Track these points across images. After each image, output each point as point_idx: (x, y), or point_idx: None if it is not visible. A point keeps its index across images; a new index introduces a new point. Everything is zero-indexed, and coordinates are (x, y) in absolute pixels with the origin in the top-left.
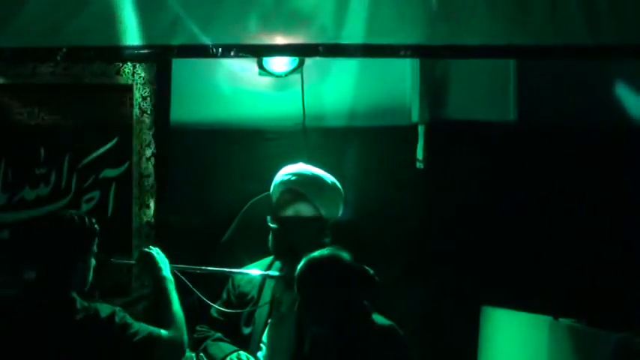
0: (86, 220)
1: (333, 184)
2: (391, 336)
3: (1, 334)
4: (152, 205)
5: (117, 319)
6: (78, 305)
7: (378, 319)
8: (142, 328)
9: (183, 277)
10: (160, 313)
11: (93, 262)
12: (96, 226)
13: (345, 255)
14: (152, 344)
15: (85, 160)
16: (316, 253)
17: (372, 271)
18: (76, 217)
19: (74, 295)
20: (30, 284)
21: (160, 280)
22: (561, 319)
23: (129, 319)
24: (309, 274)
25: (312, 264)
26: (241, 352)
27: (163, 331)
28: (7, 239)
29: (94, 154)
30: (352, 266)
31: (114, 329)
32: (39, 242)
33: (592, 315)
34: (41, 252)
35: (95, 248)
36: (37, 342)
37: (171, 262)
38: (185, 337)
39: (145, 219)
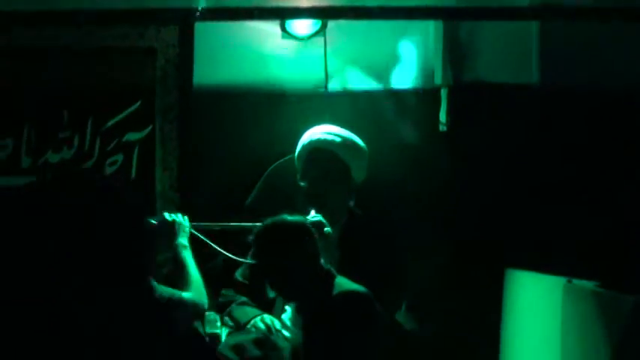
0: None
1: (363, 146)
2: (357, 301)
3: (23, 296)
4: (175, 168)
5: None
6: None
7: (344, 284)
8: (165, 291)
9: (208, 241)
10: (179, 278)
11: None
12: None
13: (292, 219)
14: (175, 306)
15: (109, 124)
16: (265, 222)
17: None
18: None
19: None
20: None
21: (175, 247)
22: (575, 281)
23: (153, 283)
24: (255, 246)
25: (257, 233)
26: (265, 315)
27: (185, 294)
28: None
29: (118, 118)
30: (297, 229)
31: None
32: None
33: (608, 277)
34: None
35: None
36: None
37: (194, 226)
38: (205, 299)
39: (168, 182)
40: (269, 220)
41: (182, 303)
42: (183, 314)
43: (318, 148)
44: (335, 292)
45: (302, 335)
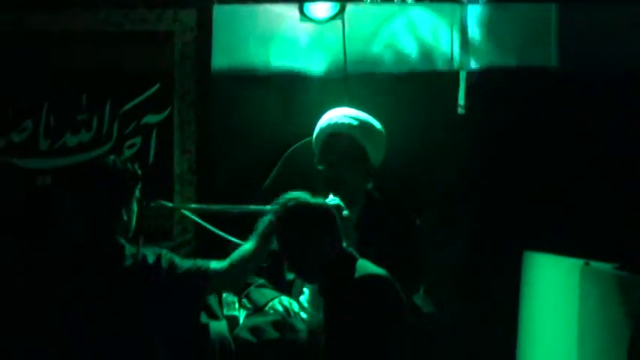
0: (129, 165)
1: (380, 129)
2: (379, 285)
3: (51, 282)
4: (194, 151)
5: (163, 261)
6: (127, 252)
7: (366, 266)
8: (189, 263)
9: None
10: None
11: (135, 208)
12: (139, 171)
13: (314, 200)
14: (200, 277)
15: (127, 107)
16: (287, 202)
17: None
18: (119, 163)
19: (122, 241)
20: (76, 232)
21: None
22: (593, 263)
23: (176, 258)
24: (278, 227)
25: (280, 214)
26: (283, 297)
27: (213, 263)
28: (52, 186)
29: (136, 101)
30: (321, 209)
31: (162, 272)
32: (84, 189)
33: (626, 260)
34: (86, 199)
35: (138, 194)
36: (87, 289)
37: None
38: (238, 272)
39: (186, 165)
40: (292, 202)
41: (207, 273)
42: (211, 284)
43: (335, 131)
44: (357, 275)
45: (323, 317)
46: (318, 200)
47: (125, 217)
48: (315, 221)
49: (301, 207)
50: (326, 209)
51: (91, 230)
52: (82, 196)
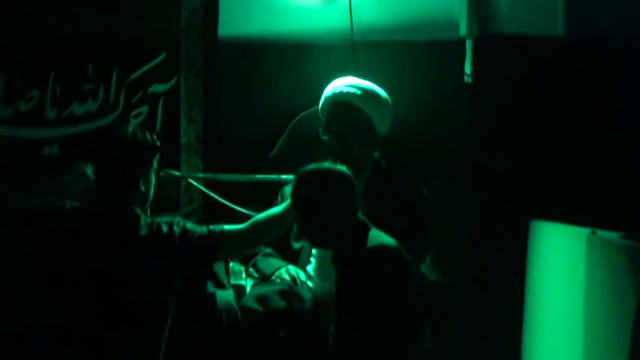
0: (148, 136)
1: (386, 98)
2: (391, 256)
3: (66, 250)
4: (200, 120)
5: (176, 229)
6: (142, 222)
7: (379, 236)
8: (201, 229)
9: (218, 197)
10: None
11: (153, 179)
12: (157, 142)
13: (336, 167)
14: (214, 240)
15: (133, 76)
16: (307, 167)
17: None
18: (139, 133)
19: (138, 211)
20: (94, 201)
21: None
22: (599, 232)
23: (188, 224)
24: (299, 187)
25: (301, 176)
26: (290, 266)
27: (226, 227)
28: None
29: (142, 69)
30: (343, 176)
31: (175, 241)
32: (103, 158)
33: (632, 229)
34: (106, 167)
35: (156, 164)
36: (102, 258)
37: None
38: (256, 232)
39: (193, 134)
40: (312, 166)
41: (221, 236)
42: (226, 247)
43: (340, 101)
44: (370, 244)
45: (335, 286)
46: (339, 167)
47: (143, 188)
48: (336, 185)
49: (322, 171)
50: (346, 175)
51: (108, 200)
52: (101, 167)
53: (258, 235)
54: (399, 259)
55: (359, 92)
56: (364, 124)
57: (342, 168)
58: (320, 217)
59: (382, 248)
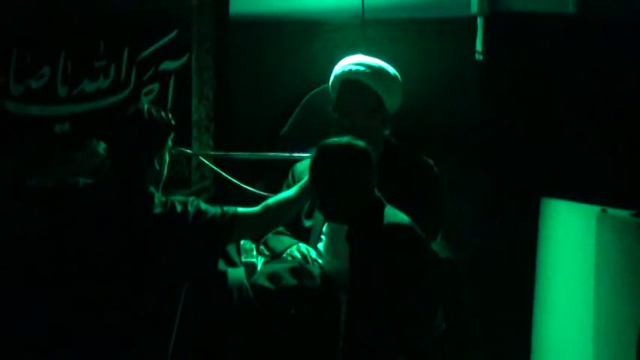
0: (163, 114)
1: (395, 74)
2: (404, 233)
3: (80, 228)
4: (211, 97)
5: (190, 208)
6: (156, 200)
7: (393, 214)
8: (215, 210)
9: (229, 176)
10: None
11: (167, 157)
12: (172, 121)
13: (360, 142)
14: (228, 222)
15: (145, 53)
16: (328, 141)
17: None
18: (154, 112)
19: (152, 189)
20: (108, 178)
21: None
22: (610, 210)
23: (202, 205)
24: (322, 159)
25: (325, 149)
26: (301, 244)
27: (240, 209)
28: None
29: (154, 47)
30: (366, 152)
31: (189, 219)
32: (119, 135)
33: None
34: (121, 145)
35: (170, 143)
36: (117, 236)
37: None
38: (268, 217)
39: (204, 111)
40: (333, 140)
41: (235, 218)
42: (239, 229)
43: (349, 79)
44: (385, 221)
45: (349, 263)
46: (359, 142)
47: (157, 167)
48: (355, 159)
49: (343, 144)
50: (366, 150)
51: (122, 178)
52: (116, 145)
53: (270, 220)
54: (414, 237)
55: (367, 70)
56: (373, 101)
57: (361, 143)
58: (338, 190)
59: (398, 226)
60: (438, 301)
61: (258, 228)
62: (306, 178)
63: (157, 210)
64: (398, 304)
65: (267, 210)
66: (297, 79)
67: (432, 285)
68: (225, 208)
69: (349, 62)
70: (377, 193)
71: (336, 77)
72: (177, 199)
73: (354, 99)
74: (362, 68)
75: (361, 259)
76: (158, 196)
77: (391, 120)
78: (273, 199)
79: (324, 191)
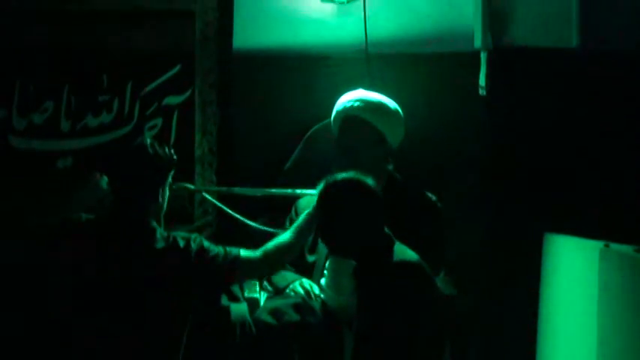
0: (166, 149)
1: (396, 109)
2: (414, 272)
3: (84, 263)
4: (215, 132)
5: (193, 245)
6: (158, 235)
7: (402, 251)
8: (218, 250)
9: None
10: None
11: (168, 192)
12: (175, 156)
13: (369, 180)
14: (228, 263)
15: (148, 88)
16: (338, 175)
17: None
18: (157, 147)
19: (154, 224)
20: (111, 212)
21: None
22: (612, 245)
23: (205, 243)
24: (329, 195)
25: (334, 185)
26: (304, 279)
27: (243, 251)
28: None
29: (157, 82)
30: (373, 189)
31: (191, 257)
32: (122, 170)
33: None
34: (124, 180)
35: (170, 179)
36: (120, 271)
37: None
38: (268, 261)
39: (207, 146)
40: (342, 175)
41: (237, 261)
42: (239, 272)
43: (349, 115)
44: (395, 259)
45: (356, 298)
46: (368, 178)
47: (159, 201)
48: (365, 194)
49: (352, 179)
50: (374, 186)
51: (125, 213)
52: (119, 179)
53: (272, 263)
54: (423, 275)
55: (367, 106)
56: (375, 137)
57: (369, 179)
58: (347, 225)
59: (407, 264)
60: (446, 339)
61: (260, 271)
62: (303, 215)
63: (159, 245)
64: (406, 340)
65: (267, 255)
66: (301, 113)
67: (440, 323)
68: (228, 249)
69: (349, 98)
70: (386, 230)
71: (337, 113)
72: (180, 234)
73: (355, 135)
74: (361, 104)
75: (369, 295)
76: (160, 231)
77: (394, 154)
78: (271, 244)
79: (333, 226)
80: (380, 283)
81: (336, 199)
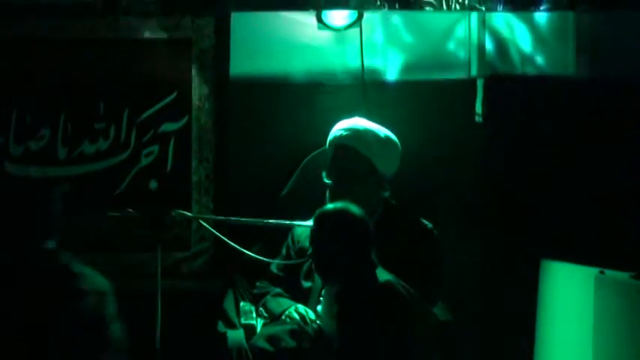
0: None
1: (387, 137)
2: (392, 292)
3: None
4: (211, 159)
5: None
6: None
7: (382, 274)
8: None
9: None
10: None
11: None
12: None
13: (355, 209)
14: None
15: (145, 115)
16: (327, 207)
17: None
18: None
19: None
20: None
21: None
22: (608, 272)
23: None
24: (319, 227)
25: (322, 217)
26: (299, 305)
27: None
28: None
29: (154, 109)
30: (361, 219)
31: None
32: None
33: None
34: None
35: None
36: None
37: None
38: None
39: (204, 173)
40: (331, 207)
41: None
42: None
43: (339, 144)
44: (375, 283)
45: (337, 323)
46: (356, 209)
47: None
48: (349, 225)
49: (336, 211)
50: (359, 216)
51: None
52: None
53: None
54: (393, 293)
55: (354, 135)
56: (365, 166)
57: (356, 209)
58: (331, 255)
59: (387, 287)
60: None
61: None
62: None
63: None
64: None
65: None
66: (297, 141)
67: (422, 338)
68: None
69: (340, 127)
70: (372, 256)
71: (329, 143)
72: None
73: (344, 165)
74: (350, 133)
75: (350, 319)
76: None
77: (390, 181)
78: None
79: (322, 255)
80: (358, 306)
81: (323, 230)
